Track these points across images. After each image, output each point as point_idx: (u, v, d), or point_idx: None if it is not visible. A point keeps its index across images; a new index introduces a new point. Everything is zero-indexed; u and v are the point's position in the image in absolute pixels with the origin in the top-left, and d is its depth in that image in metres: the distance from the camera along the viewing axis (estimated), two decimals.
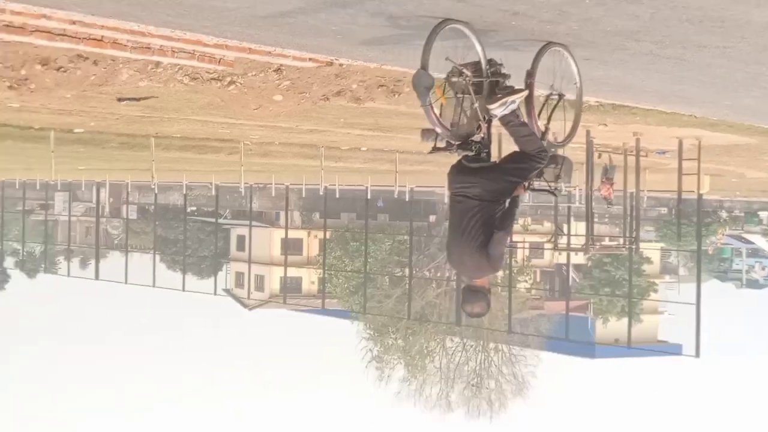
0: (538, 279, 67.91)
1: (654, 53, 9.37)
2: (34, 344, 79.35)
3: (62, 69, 12.61)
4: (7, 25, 9.96)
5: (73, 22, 9.84)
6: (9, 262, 70.21)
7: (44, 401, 74.06)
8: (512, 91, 8.09)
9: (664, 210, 60.18)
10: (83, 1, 8.32)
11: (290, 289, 60.88)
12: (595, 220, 24.37)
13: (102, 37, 10.69)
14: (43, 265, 65.26)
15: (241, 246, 66.00)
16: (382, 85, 14.25)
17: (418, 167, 32.27)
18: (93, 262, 55.58)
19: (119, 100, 15.40)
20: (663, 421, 65.16)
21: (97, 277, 49.55)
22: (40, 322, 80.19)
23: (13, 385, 74.72)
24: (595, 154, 21.12)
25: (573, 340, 44.98)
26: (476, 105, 7.87)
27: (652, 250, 63.02)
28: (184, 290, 46.48)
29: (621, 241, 27.92)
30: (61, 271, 63.48)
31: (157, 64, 12.48)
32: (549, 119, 8.93)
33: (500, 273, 54.68)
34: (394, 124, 19.86)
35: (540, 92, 8.99)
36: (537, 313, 57.02)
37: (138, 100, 15.27)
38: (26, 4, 8.86)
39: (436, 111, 7.84)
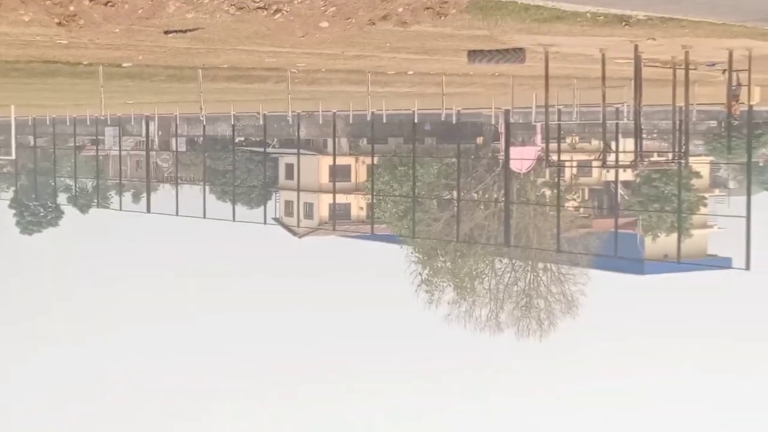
0: (586, 197, 67.64)
1: None
2: (91, 279, 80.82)
3: (110, 3, 12.73)
4: None
5: None
6: (62, 198, 71.26)
7: (102, 337, 75.64)
8: None
9: (713, 123, 59.44)
10: None
11: (339, 215, 61.28)
12: (644, 135, 24.24)
13: None
14: (95, 200, 66.16)
15: (289, 174, 66.38)
16: (428, 8, 14.22)
17: (464, 89, 32.17)
18: (144, 195, 56.25)
19: (166, 32, 15.50)
20: (714, 336, 65.16)
21: (148, 210, 50.26)
22: (94, 257, 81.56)
23: (71, 323, 76.38)
24: (731, 74, 20.94)
25: (622, 257, 44.97)
26: None
27: (701, 164, 62.41)
28: (234, 220, 47.03)
29: (670, 156, 27.74)
30: (114, 205, 64.37)
31: None
32: None
33: (548, 192, 54.64)
34: (440, 47, 19.81)
35: None
36: (585, 231, 56.91)
37: (185, 32, 15.37)
38: None
39: None
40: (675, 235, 40.99)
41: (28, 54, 19.83)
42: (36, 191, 68.23)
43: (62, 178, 68.30)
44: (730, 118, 22.65)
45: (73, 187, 68.19)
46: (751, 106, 23.76)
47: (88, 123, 51.88)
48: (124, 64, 22.06)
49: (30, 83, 26.05)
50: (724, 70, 21.26)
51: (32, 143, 60.97)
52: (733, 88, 22.13)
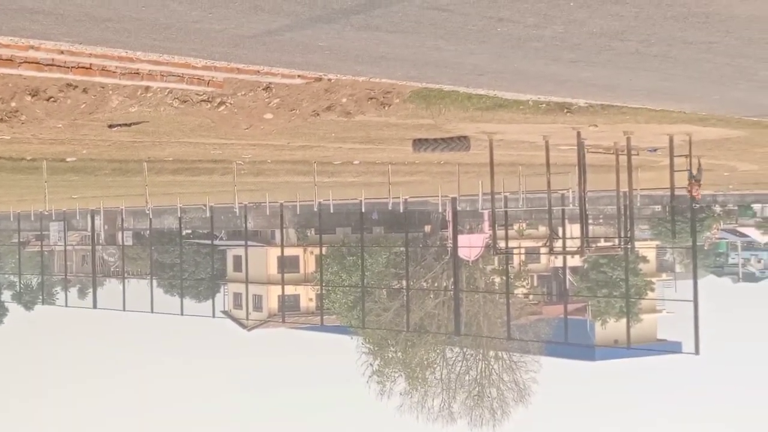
0: (535, 283, 67.91)
1: (640, 52, 9.44)
2: (36, 377, 79.09)
3: (52, 99, 12.65)
4: None
5: (61, 52, 9.88)
6: (6, 295, 70.01)
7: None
8: None
9: (657, 208, 60.29)
10: (70, 30, 8.36)
11: (289, 307, 60.79)
12: (590, 221, 24.41)
13: (90, 65, 10.73)
14: (40, 297, 65.10)
15: (237, 266, 65.93)
16: (371, 98, 14.31)
17: (411, 178, 32.31)
18: (91, 290, 55.45)
19: (110, 126, 15.42)
20: (665, 420, 65.17)
21: (95, 306, 49.46)
22: (40, 354, 79.93)
23: (15, 422, 74.43)
24: (691, 159, 21.27)
25: (573, 343, 44.97)
26: None
27: (647, 248, 63.08)
28: (182, 314, 46.42)
29: (616, 241, 27.96)
30: (59, 301, 63.34)
31: (147, 88, 12.52)
32: None
33: (498, 279, 54.71)
34: (385, 136, 19.91)
35: None
36: (535, 318, 56.99)
37: (129, 125, 15.30)
38: (14, 37, 8.90)
39: None
40: (624, 320, 41.13)
41: None
42: None
43: (6, 275, 67.21)
44: (692, 201, 22.94)
45: (18, 283, 67.11)
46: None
47: (32, 218, 51.27)
48: (69, 159, 21.88)
49: None
50: (686, 156, 21.64)
51: None
52: (696, 173, 22.47)
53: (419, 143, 19.49)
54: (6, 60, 10.13)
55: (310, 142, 20.50)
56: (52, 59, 10.28)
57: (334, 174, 29.81)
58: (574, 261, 52.60)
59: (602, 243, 41.30)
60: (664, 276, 68.68)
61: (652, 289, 60.08)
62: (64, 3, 7.27)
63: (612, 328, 54.94)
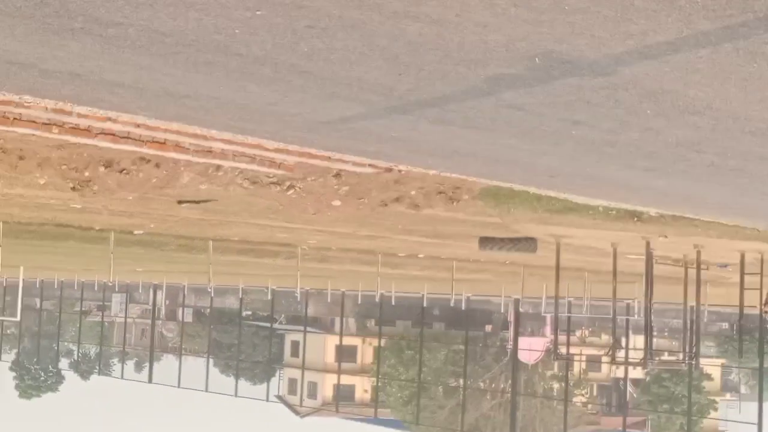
0: (594, 393, 66.62)
1: (716, 164, 9.28)
2: None
3: (125, 171, 12.81)
4: (74, 128, 10.16)
5: (138, 125, 10.01)
6: (64, 363, 70.55)
7: None
8: None
9: (725, 325, 59.12)
10: (148, 105, 8.47)
11: (343, 396, 60.34)
12: (654, 333, 23.94)
13: (165, 140, 10.86)
14: (97, 367, 65.47)
15: (295, 352, 65.79)
16: (440, 192, 14.26)
17: (475, 275, 32.12)
18: (147, 364, 55.66)
19: (179, 202, 15.55)
20: None
21: (150, 380, 49.60)
22: (92, 424, 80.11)
23: None
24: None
25: None
26: None
27: (712, 366, 61.68)
28: (236, 395, 46.29)
29: (680, 356, 27.34)
30: (115, 373, 63.65)
31: (218, 167, 12.62)
32: None
33: (557, 385, 53.82)
34: (452, 232, 19.82)
35: None
36: (593, 429, 55.81)
37: (198, 202, 15.42)
38: (93, 107, 9.05)
39: None
40: None
41: (42, 216, 19.91)
42: (38, 355, 67.66)
43: (66, 343, 67.84)
44: (765, 321, 22.52)
45: (76, 352, 67.65)
46: (763, 310, 23.54)
47: (95, 288, 51.90)
48: (136, 232, 22.12)
49: (41, 245, 26.11)
50: (758, 274, 21.29)
51: (38, 305, 60.88)
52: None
53: (486, 241, 19.36)
54: (83, 130, 10.29)
55: (376, 232, 20.50)
56: (128, 132, 10.43)
57: (399, 266, 29.76)
58: (636, 373, 51.59)
59: (666, 356, 40.47)
60: (728, 396, 66.98)
61: (715, 409, 58.55)
62: (144, 78, 7.36)
63: None
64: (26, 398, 73.26)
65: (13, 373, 73.03)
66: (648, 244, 19.25)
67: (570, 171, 10.80)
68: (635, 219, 15.85)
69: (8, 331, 74.27)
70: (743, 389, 68.74)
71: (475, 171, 11.71)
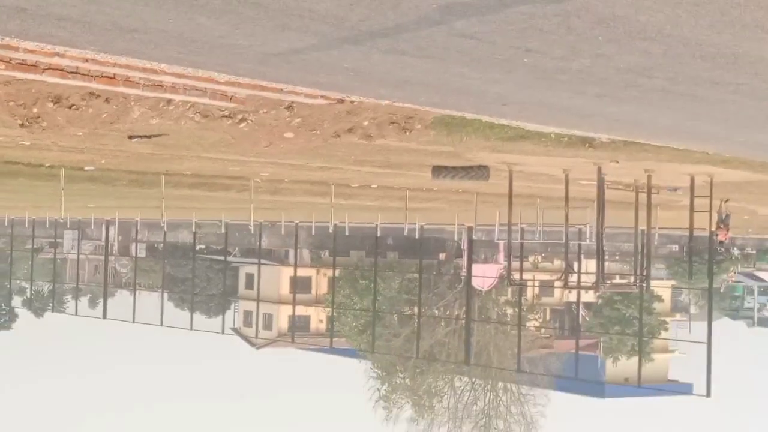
0: (547, 317, 67.58)
1: (666, 90, 9.35)
2: (40, 383, 79.13)
3: (74, 107, 12.63)
4: (21, 63, 9.99)
5: (86, 60, 9.86)
6: (17, 300, 70.10)
7: None
8: None
9: (675, 248, 59.99)
10: (96, 39, 8.34)
11: (298, 327, 60.64)
12: (606, 257, 24.25)
13: (114, 75, 10.72)
14: (51, 304, 65.13)
15: (249, 284, 65.88)
16: (393, 122, 14.25)
17: (428, 204, 32.23)
18: (101, 300, 55.47)
19: (130, 137, 15.41)
20: None
21: (105, 316, 49.43)
22: (46, 361, 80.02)
23: (18, 426, 74.38)
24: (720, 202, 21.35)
25: (583, 379, 44.66)
26: None
27: (663, 288, 62.70)
28: (192, 329, 46.31)
29: (631, 279, 27.75)
30: (69, 310, 63.39)
31: (169, 101, 12.49)
32: None
33: (510, 310, 54.50)
34: (405, 161, 19.85)
35: None
36: (546, 352, 56.68)
37: (149, 137, 15.28)
38: (40, 42, 8.88)
39: None
40: (636, 359, 40.82)
41: None
42: None
43: (18, 281, 67.32)
44: (719, 245, 22.91)
45: (29, 290, 67.18)
46: (712, 232, 23.90)
47: (47, 225, 51.38)
48: (87, 168, 21.90)
49: None
50: (726, 200, 21.65)
51: None
52: (725, 216, 22.45)
53: (438, 170, 19.42)
54: (30, 65, 10.12)
55: (329, 164, 20.47)
56: (77, 67, 10.27)
57: (352, 197, 29.77)
58: (588, 296, 52.31)
59: (618, 280, 41.08)
60: (678, 316, 68.24)
61: (666, 329, 59.64)
62: (92, 11, 7.24)
63: (623, 366, 54.56)
64: None
65: None
66: (599, 169, 19.42)
67: (522, 99, 10.83)
68: (587, 145, 15.96)
69: None
70: (693, 309, 70.10)
71: (427, 100, 11.69)
